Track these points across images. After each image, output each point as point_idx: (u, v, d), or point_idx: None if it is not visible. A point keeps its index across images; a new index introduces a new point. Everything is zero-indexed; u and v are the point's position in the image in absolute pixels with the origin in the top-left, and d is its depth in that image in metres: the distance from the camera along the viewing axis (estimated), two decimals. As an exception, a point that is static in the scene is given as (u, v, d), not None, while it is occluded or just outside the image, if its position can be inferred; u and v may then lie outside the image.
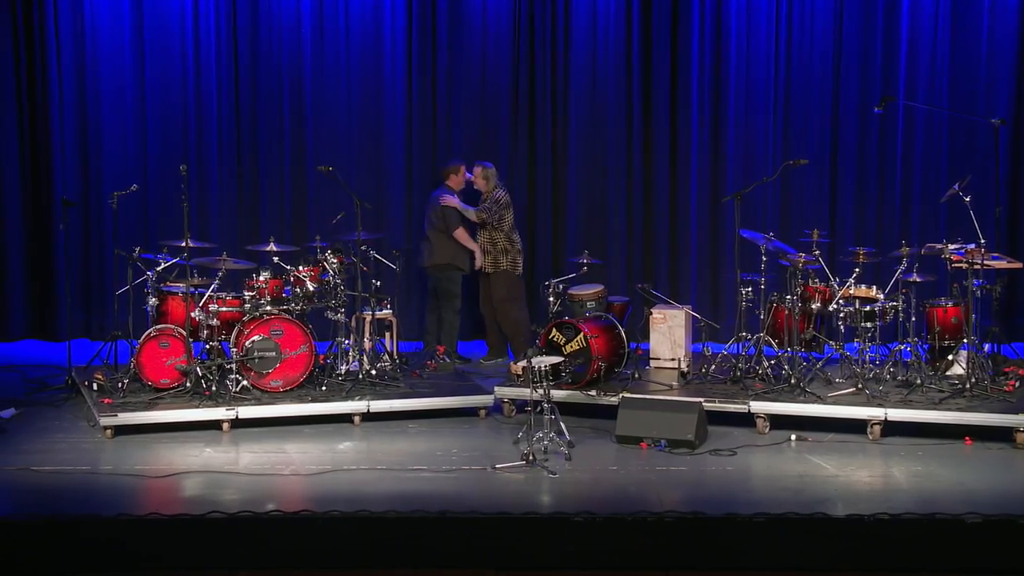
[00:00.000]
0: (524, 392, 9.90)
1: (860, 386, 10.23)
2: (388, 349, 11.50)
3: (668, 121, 13.17)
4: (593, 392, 10.35)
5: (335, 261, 10.89)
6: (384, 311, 11.55)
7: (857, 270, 10.71)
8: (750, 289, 10.81)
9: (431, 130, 13.29)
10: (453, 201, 12.07)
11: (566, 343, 10.43)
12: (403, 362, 11.57)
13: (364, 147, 13.29)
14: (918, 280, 10.64)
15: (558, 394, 10.03)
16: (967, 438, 9.63)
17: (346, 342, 11.01)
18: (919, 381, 10.22)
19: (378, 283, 11.37)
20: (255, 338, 10.34)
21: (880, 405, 9.86)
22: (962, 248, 10.50)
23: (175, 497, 8.47)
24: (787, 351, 10.59)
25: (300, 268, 10.77)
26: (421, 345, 12.51)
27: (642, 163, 13.22)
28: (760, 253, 10.77)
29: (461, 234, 12.13)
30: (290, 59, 13.13)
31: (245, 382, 10.30)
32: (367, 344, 11.14)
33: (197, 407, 10.00)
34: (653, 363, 11.27)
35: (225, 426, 9.96)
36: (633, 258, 13.30)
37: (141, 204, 12.96)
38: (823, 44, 12.97)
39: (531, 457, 8.98)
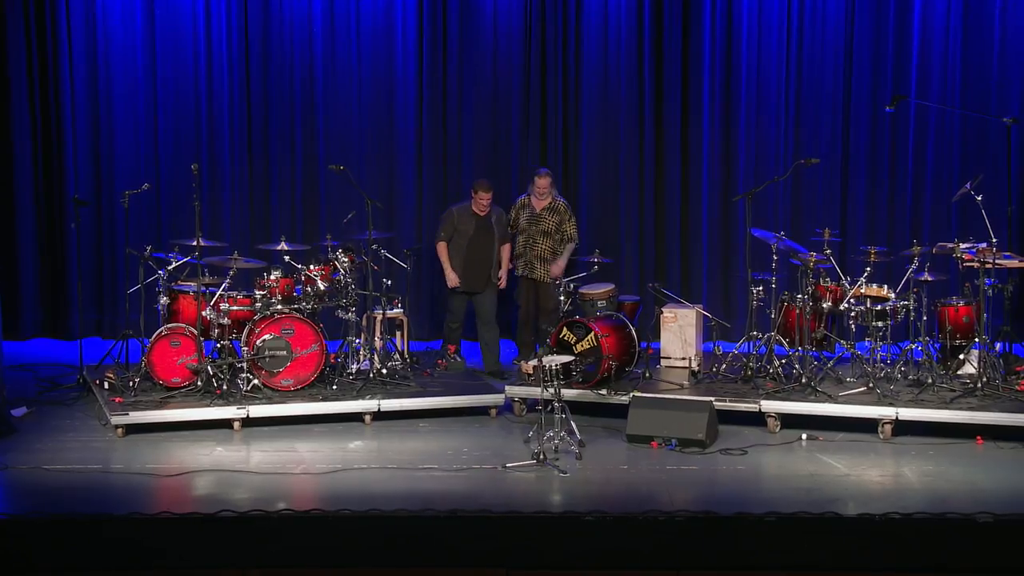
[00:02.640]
0: (535, 391, 9.90)
1: (871, 385, 10.20)
2: (399, 348, 11.49)
3: (679, 120, 13.12)
4: (604, 391, 10.33)
5: (346, 260, 10.88)
6: (395, 310, 11.54)
7: (868, 269, 10.69)
8: (761, 288, 10.79)
9: (442, 129, 13.26)
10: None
11: (577, 342, 10.41)
12: (414, 361, 11.55)
13: (375, 146, 13.27)
14: (929, 279, 10.61)
15: (569, 393, 10.00)
16: (979, 437, 9.60)
17: (357, 341, 11.00)
18: (930, 380, 10.19)
19: (389, 282, 11.35)
20: (266, 337, 10.33)
21: (891, 404, 9.84)
22: (974, 247, 10.46)
23: (186, 496, 8.48)
24: (798, 350, 10.57)
25: (311, 267, 10.77)
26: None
27: (653, 162, 13.19)
28: (771, 252, 10.75)
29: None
30: (301, 58, 13.12)
31: (256, 381, 10.30)
32: (378, 343, 11.14)
33: (208, 406, 10.01)
34: (664, 362, 11.24)
35: (236, 425, 9.97)
36: (644, 257, 13.26)
37: (153, 203, 12.96)
38: (835, 42, 12.92)
39: (542, 456, 8.97)
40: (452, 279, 11.71)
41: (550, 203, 11.81)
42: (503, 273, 11.78)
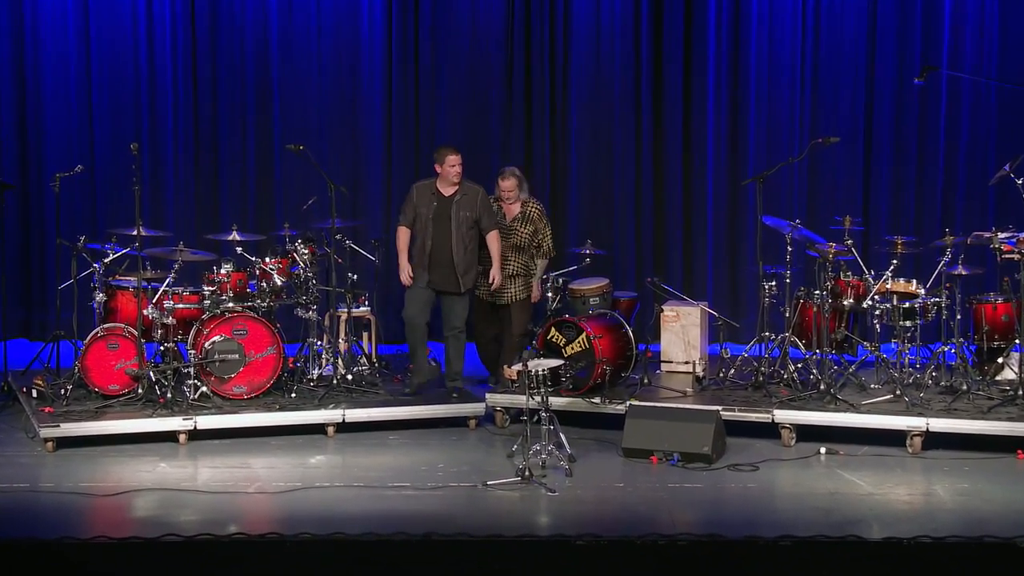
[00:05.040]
0: (519, 399, 9.89)
1: (898, 393, 10.21)
2: (366, 351, 11.48)
3: (681, 96, 13.14)
4: (597, 399, 10.33)
5: (306, 252, 10.87)
6: (361, 308, 11.53)
7: (895, 262, 10.71)
8: (774, 283, 10.82)
9: (414, 105, 13.26)
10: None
11: (566, 344, 10.41)
12: (383, 366, 11.54)
13: (338, 124, 13.26)
14: (964, 273, 10.62)
15: (557, 401, 9.99)
16: (1019, 451, 9.62)
17: (319, 343, 11.00)
18: (965, 387, 10.22)
19: (355, 277, 11.35)
20: (216, 339, 10.32)
21: (921, 414, 9.85)
22: (1014, 237, 10.47)
23: (125, 518, 8.44)
24: (816, 353, 10.57)
25: (267, 260, 10.76)
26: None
27: (652, 143, 13.20)
28: (785, 243, 10.76)
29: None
30: (255, 24, 13.10)
31: (204, 388, 10.29)
32: (342, 345, 11.13)
33: (150, 416, 9.98)
34: (664, 367, 11.28)
35: (182, 438, 9.94)
36: (642, 248, 13.28)
37: (87, 187, 12.95)
38: (856, 10, 12.94)
39: (527, 473, 8.95)
40: (403, 274, 10.69)
41: (521, 209, 11.24)
42: (495, 271, 10.82)
